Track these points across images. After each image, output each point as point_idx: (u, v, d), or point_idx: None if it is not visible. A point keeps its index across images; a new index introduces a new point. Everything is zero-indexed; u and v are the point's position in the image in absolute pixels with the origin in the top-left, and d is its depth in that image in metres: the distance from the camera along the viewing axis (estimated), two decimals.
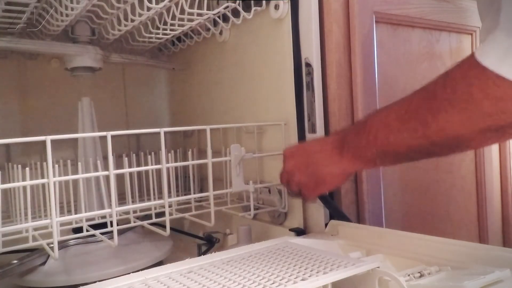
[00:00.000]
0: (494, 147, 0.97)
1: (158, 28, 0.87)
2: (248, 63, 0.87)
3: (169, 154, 0.80)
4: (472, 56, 0.44)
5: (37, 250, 0.72)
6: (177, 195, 0.91)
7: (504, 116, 0.43)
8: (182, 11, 0.77)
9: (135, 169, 0.73)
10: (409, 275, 0.45)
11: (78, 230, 0.72)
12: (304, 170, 0.62)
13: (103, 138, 0.59)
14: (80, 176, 0.66)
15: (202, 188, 0.97)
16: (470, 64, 0.44)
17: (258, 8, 0.78)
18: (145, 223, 0.72)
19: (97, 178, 0.80)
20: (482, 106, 0.43)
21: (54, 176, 0.55)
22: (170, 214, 0.69)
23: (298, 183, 0.63)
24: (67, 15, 0.75)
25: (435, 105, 0.47)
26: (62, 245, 0.75)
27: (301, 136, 0.73)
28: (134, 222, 0.73)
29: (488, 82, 0.43)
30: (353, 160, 0.57)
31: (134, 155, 0.84)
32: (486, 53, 0.42)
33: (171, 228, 0.66)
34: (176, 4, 0.76)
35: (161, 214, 0.74)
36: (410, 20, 0.81)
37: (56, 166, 0.65)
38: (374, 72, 0.75)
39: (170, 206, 0.78)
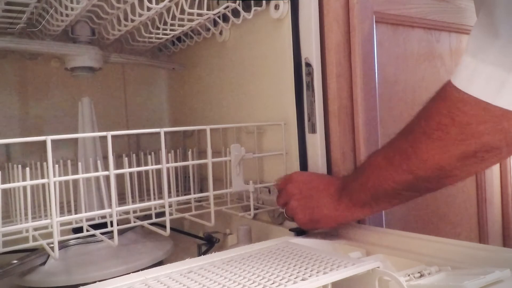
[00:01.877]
0: None
1: (158, 28, 0.87)
2: (248, 63, 0.87)
3: (169, 154, 0.80)
4: (448, 81, 0.45)
5: (37, 250, 0.72)
6: (177, 195, 0.91)
7: (475, 140, 0.44)
8: (182, 11, 0.77)
9: (135, 169, 0.73)
10: (409, 275, 0.45)
11: (78, 230, 0.72)
12: (303, 202, 0.64)
13: (103, 138, 0.59)
14: (80, 176, 0.66)
15: (202, 188, 0.97)
16: (443, 89, 0.46)
17: (258, 8, 0.78)
18: (145, 223, 0.72)
19: (97, 178, 0.80)
20: (452, 133, 0.45)
21: (54, 176, 0.55)
22: (170, 214, 0.69)
23: (292, 210, 0.65)
24: (67, 15, 0.76)
25: (413, 138, 0.49)
26: (62, 245, 0.75)
27: (301, 136, 0.73)
28: (134, 222, 0.73)
29: (453, 107, 0.44)
30: (350, 205, 0.59)
31: (134, 155, 0.84)
32: (457, 75, 0.44)
33: (171, 228, 0.66)
34: (176, 4, 0.76)
35: (161, 214, 0.74)
36: (410, 20, 0.80)
37: (56, 166, 0.65)
38: (374, 72, 0.75)
39: (170, 206, 0.78)
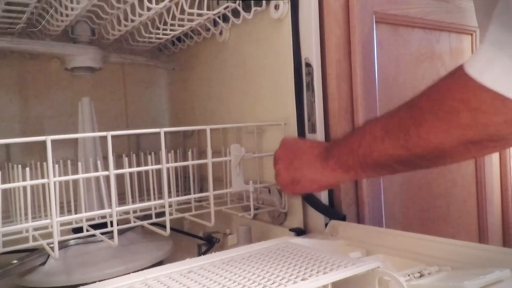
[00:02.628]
0: None
1: (158, 28, 0.87)
2: (248, 63, 0.87)
3: (169, 154, 0.80)
4: (460, 66, 0.44)
5: (37, 250, 0.72)
6: (177, 195, 0.91)
7: (484, 129, 0.43)
8: (182, 11, 0.77)
9: (135, 169, 0.73)
10: (409, 275, 0.45)
11: (78, 230, 0.72)
12: (287, 164, 0.63)
13: (103, 138, 0.59)
14: (80, 176, 0.66)
15: (202, 188, 0.97)
16: (456, 73, 0.45)
17: (258, 8, 0.78)
18: (145, 223, 0.72)
19: (97, 178, 0.80)
20: (462, 118, 0.44)
21: (54, 176, 0.55)
22: (170, 214, 0.69)
23: (277, 172, 0.64)
24: (67, 15, 0.76)
25: (418, 116, 0.48)
26: (62, 245, 0.76)
27: (301, 136, 0.73)
28: (134, 222, 0.73)
29: (469, 93, 0.43)
30: (335, 167, 0.57)
31: (134, 155, 0.84)
32: (472, 62, 0.43)
33: (171, 228, 0.66)
34: (176, 4, 0.76)
35: (161, 214, 0.74)
36: (410, 20, 0.81)
37: (56, 166, 0.65)
38: (374, 72, 0.75)
39: (170, 206, 0.78)
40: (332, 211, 0.71)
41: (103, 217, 0.75)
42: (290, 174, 0.62)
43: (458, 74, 0.44)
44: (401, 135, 0.49)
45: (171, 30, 0.87)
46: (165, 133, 0.63)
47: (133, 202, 0.86)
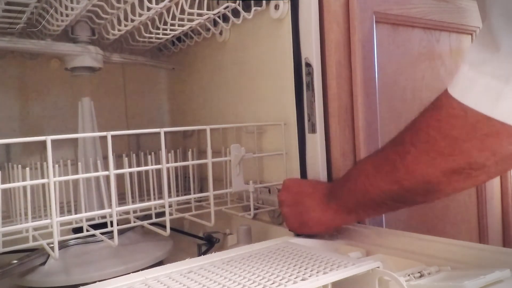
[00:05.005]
0: None
1: (158, 28, 0.87)
2: (248, 63, 0.87)
3: (169, 154, 0.80)
4: (445, 90, 0.44)
5: (37, 250, 0.72)
6: (177, 195, 0.91)
7: (462, 157, 0.43)
8: (182, 11, 0.77)
9: (135, 169, 0.73)
10: (409, 275, 0.45)
11: (78, 230, 0.72)
12: (292, 207, 0.65)
13: (103, 138, 0.59)
14: (80, 176, 0.66)
15: (202, 188, 0.97)
16: (439, 99, 0.45)
17: (258, 8, 0.78)
18: (145, 223, 0.72)
19: (97, 178, 0.80)
20: (439, 147, 0.44)
21: (54, 176, 0.55)
22: (170, 214, 0.69)
23: (284, 216, 0.66)
24: (67, 15, 0.75)
25: (402, 149, 0.49)
26: (62, 245, 0.75)
27: (301, 136, 0.73)
28: (134, 222, 0.73)
29: (443, 121, 0.43)
30: (338, 210, 0.59)
31: (134, 155, 0.84)
32: (453, 85, 0.43)
33: (171, 228, 0.66)
34: (176, 4, 0.76)
35: (161, 214, 0.74)
36: (410, 20, 0.80)
37: (56, 166, 0.65)
38: (374, 72, 0.75)
39: (170, 206, 0.78)
40: None
41: (103, 217, 0.75)
42: (297, 219, 0.64)
43: (441, 99, 0.45)
44: (390, 170, 0.50)
45: (171, 30, 0.87)
46: (165, 133, 0.63)
47: (133, 202, 0.86)
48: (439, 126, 0.44)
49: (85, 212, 0.76)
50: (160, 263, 0.78)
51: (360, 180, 0.54)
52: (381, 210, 0.55)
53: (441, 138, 0.44)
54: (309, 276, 0.44)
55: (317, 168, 0.71)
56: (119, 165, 0.68)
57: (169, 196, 0.68)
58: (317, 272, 0.45)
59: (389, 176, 0.50)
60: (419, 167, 0.46)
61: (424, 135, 0.46)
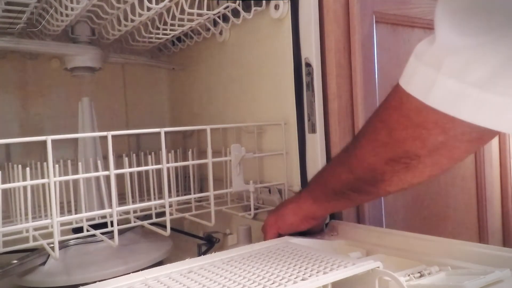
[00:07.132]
0: (494, 147, 0.98)
1: (158, 28, 0.87)
2: (248, 63, 0.87)
3: (169, 154, 0.80)
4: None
5: (37, 250, 0.72)
6: (177, 195, 0.91)
7: (398, 146, 0.45)
8: (182, 11, 0.77)
9: (135, 169, 0.73)
10: (409, 275, 0.45)
11: (78, 230, 0.72)
12: (273, 213, 0.66)
13: (103, 138, 0.59)
14: (81, 176, 0.66)
15: (202, 188, 0.97)
16: (391, 91, 0.46)
17: (258, 8, 0.78)
18: (145, 223, 0.72)
19: (98, 178, 0.80)
20: (381, 136, 0.46)
21: (54, 176, 0.55)
22: (170, 214, 0.69)
23: (264, 230, 0.67)
24: (67, 15, 0.75)
25: (356, 139, 0.53)
26: (62, 245, 0.75)
27: (301, 136, 0.73)
28: (134, 222, 0.73)
29: (384, 112, 0.46)
30: (306, 198, 0.61)
31: (134, 155, 0.84)
32: (402, 75, 0.44)
33: (171, 228, 0.66)
34: (176, 4, 0.76)
35: (161, 214, 0.74)
36: (410, 20, 0.80)
37: (56, 166, 0.65)
38: (374, 72, 0.75)
39: (170, 206, 0.78)
40: None
41: (103, 217, 0.75)
42: (274, 215, 0.65)
43: (391, 91, 0.46)
44: (346, 159, 0.53)
45: (171, 30, 0.87)
46: (165, 133, 0.63)
47: (133, 202, 0.86)
48: (381, 116, 0.47)
49: (85, 212, 0.76)
50: (160, 263, 0.78)
51: (326, 171, 0.59)
52: (342, 200, 0.57)
53: (382, 127, 0.46)
54: (309, 276, 0.44)
55: (317, 168, 0.71)
56: (119, 165, 0.68)
57: (169, 196, 0.67)
58: (317, 272, 0.45)
59: (345, 165, 0.53)
60: (366, 156, 0.49)
61: (371, 125, 0.49)
